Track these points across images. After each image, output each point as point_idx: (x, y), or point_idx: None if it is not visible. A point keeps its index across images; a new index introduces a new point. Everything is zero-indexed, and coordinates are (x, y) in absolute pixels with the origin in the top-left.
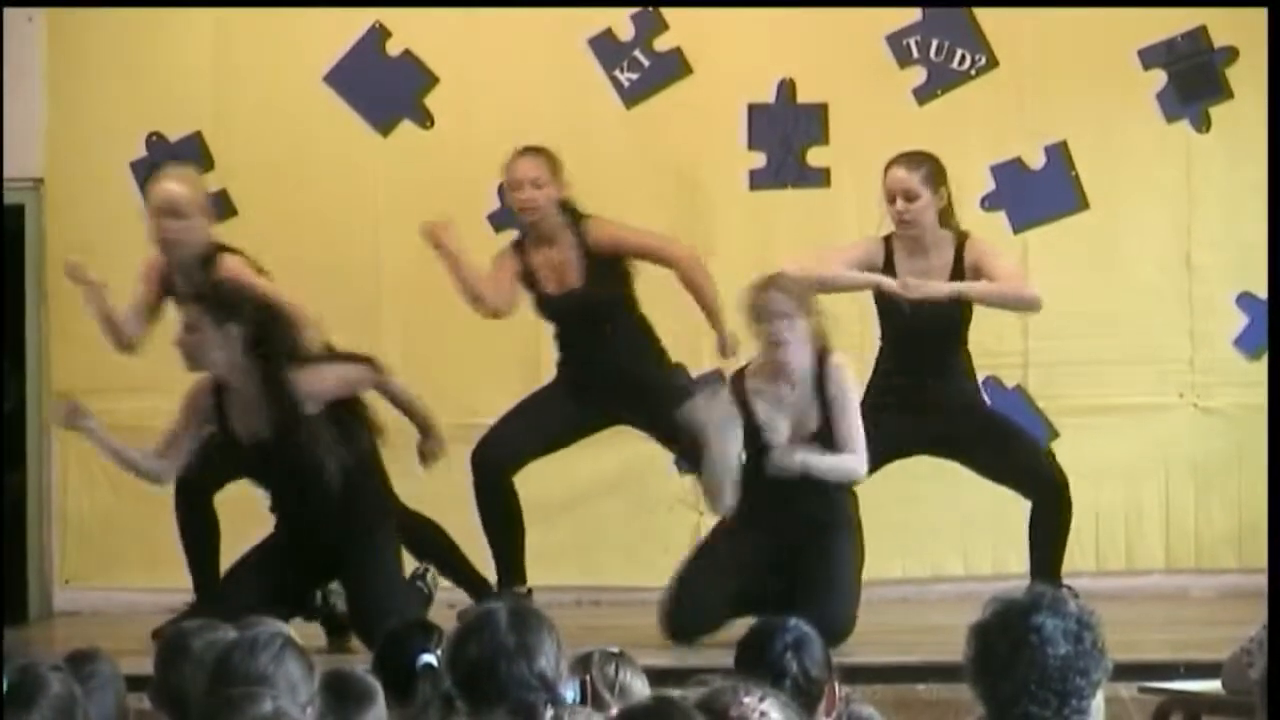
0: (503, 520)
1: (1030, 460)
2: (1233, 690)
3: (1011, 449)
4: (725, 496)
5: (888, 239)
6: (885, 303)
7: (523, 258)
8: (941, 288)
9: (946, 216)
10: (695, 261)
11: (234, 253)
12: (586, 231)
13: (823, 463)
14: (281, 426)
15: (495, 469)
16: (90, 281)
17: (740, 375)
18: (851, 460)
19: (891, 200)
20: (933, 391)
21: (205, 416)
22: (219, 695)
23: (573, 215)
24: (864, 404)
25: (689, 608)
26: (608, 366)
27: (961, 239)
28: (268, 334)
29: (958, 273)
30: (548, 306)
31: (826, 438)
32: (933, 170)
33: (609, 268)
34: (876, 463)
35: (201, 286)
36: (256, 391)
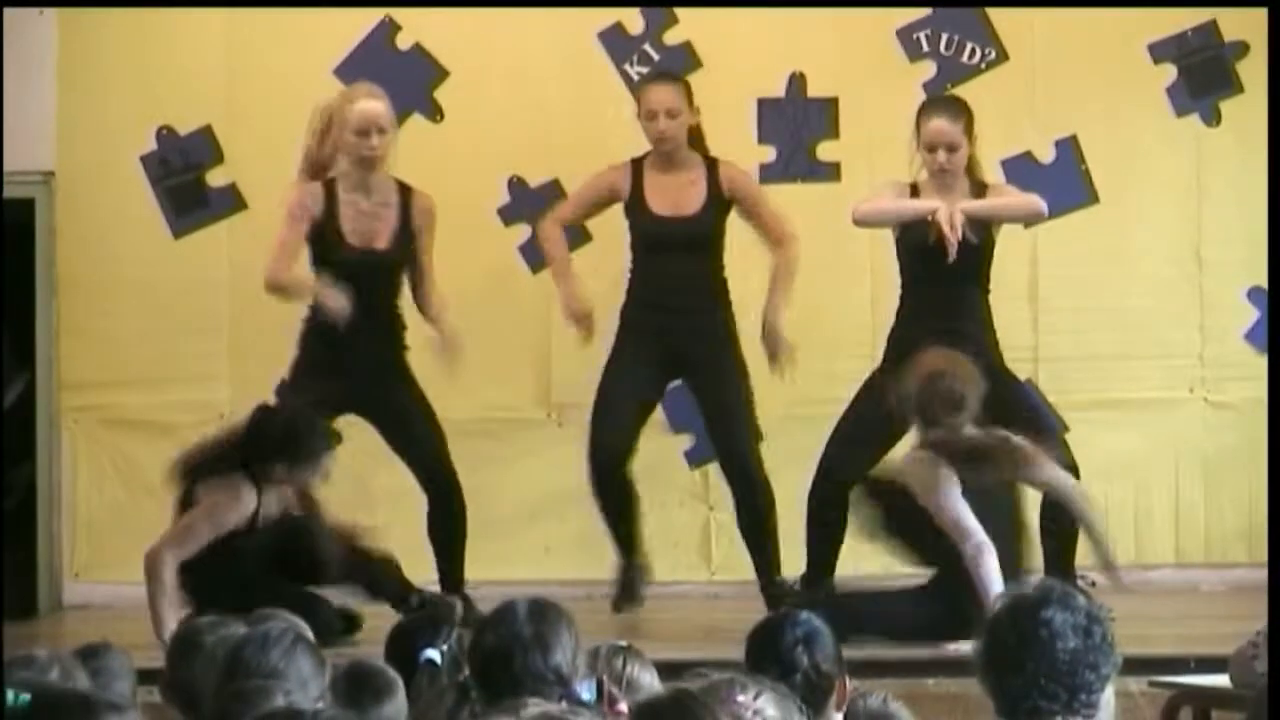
0: (632, 508)
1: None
2: (1240, 684)
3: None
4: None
5: (914, 185)
6: (918, 242)
7: (636, 178)
8: (970, 205)
9: (973, 165)
10: (797, 253)
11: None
12: (719, 168)
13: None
14: None
15: (618, 462)
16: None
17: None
18: None
19: (932, 149)
20: (960, 335)
21: None
22: (231, 690)
23: (703, 147)
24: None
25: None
26: (684, 308)
27: (981, 189)
28: None
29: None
30: (655, 228)
31: None
32: (969, 119)
33: (722, 210)
34: None
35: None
36: None
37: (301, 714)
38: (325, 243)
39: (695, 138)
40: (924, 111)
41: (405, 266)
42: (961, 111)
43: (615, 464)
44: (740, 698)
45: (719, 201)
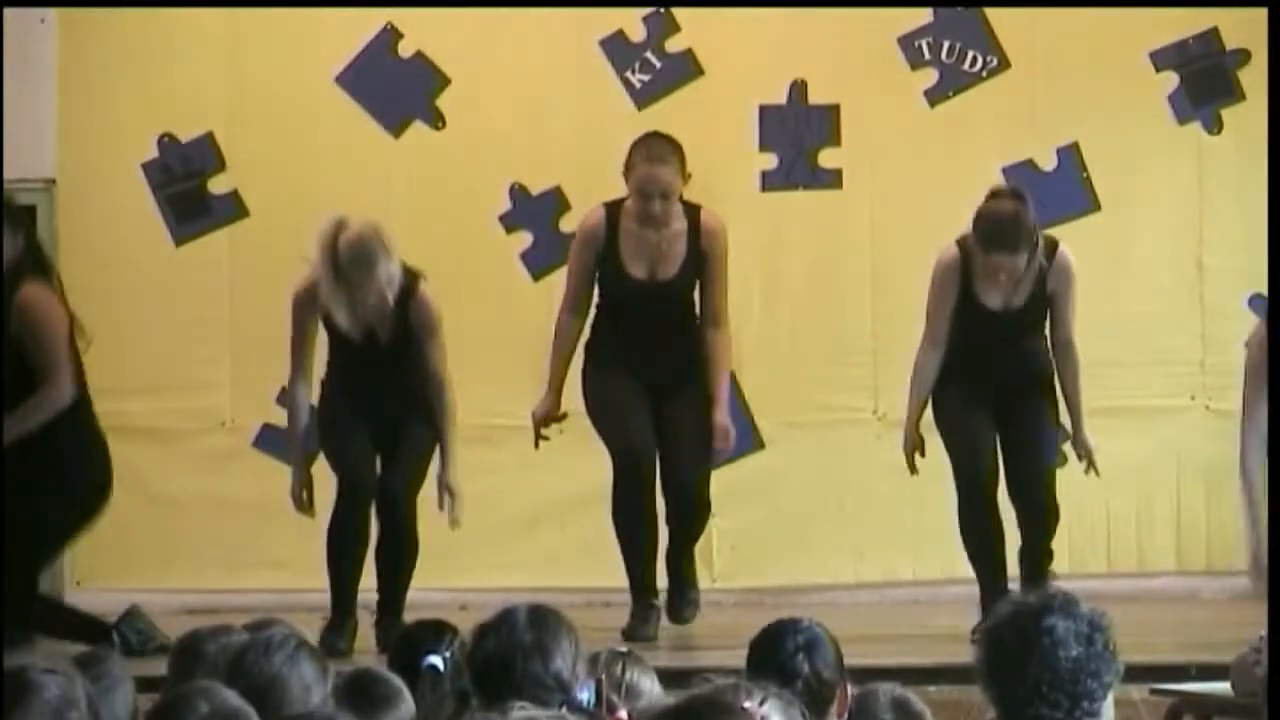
0: (652, 525)
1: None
2: (1241, 691)
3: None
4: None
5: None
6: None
7: (611, 230)
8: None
9: None
10: (729, 339)
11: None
12: (701, 221)
13: None
14: None
15: (649, 468)
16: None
17: None
18: None
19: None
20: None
21: None
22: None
23: (691, 212)
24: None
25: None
26: (656, 354)
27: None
28: None
29: None
30: (632, 290)
31: None
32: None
33: (700, 269)
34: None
35: None
36: None
37: (303, 717)
38: None
39: (685, 204)
40: (991, 251)
41: None
42: (1022, 245)
43: (647, 475)
44: (747, 704)
45: (697, 260)
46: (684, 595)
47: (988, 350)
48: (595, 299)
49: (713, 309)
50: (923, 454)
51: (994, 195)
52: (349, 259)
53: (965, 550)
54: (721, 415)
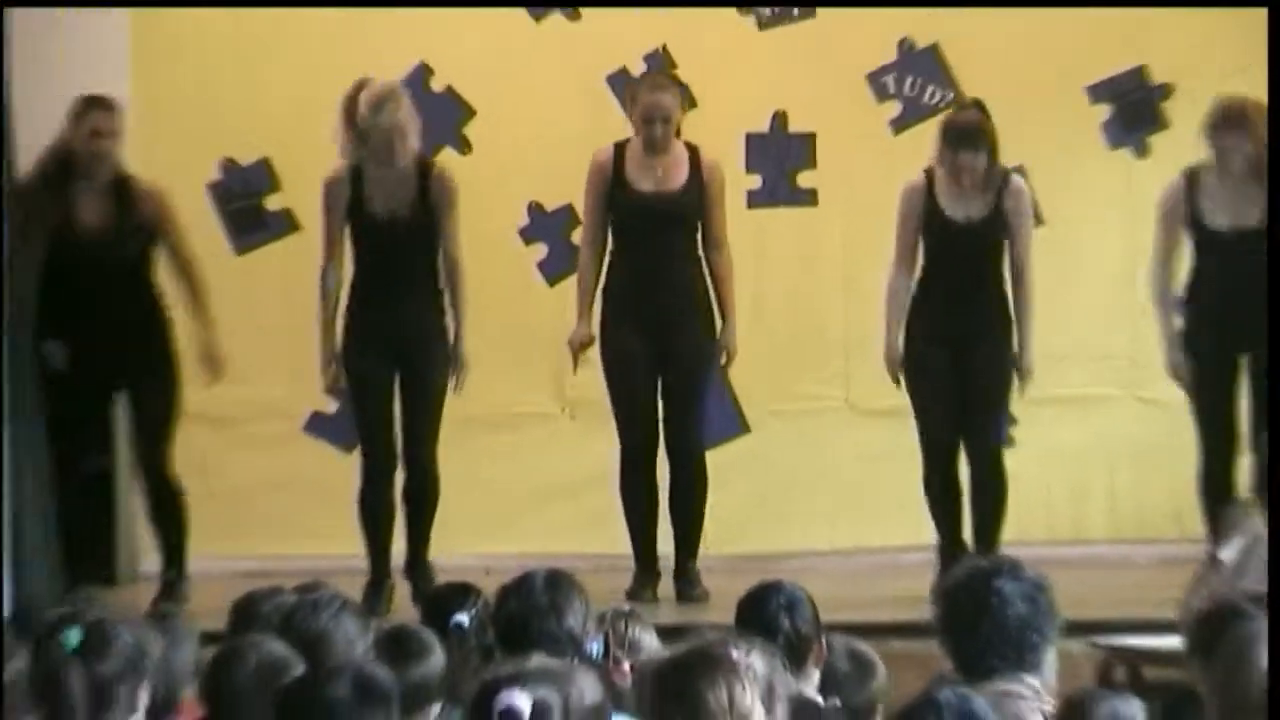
0: (653, 501)
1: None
2: (1187, 627)
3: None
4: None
5: (929, 171)
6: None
7: (619, 161)
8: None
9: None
10: (729, 258)
11: None
12: (701, 154)
13: None
14: None
15: (650, 455)
16: None
17: None
18: None
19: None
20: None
21: None
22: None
23: (691, 147)
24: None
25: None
26: (662, 283)
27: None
28: None
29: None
30: (639, 204)
31: None
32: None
33: (702, 192)
34: None
35: None
36: None
37: (346, 666)
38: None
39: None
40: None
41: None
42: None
43: (651, 454)
44: (735, 654)
45: (698, 184)
46: (688, 576)
47: (954, 276)
48: (609, 244)
49: (715, 234)
50: (904, 373)
51: (960, 107)
52: (372, 112)
53: (930, 512)
54: (729, 334)
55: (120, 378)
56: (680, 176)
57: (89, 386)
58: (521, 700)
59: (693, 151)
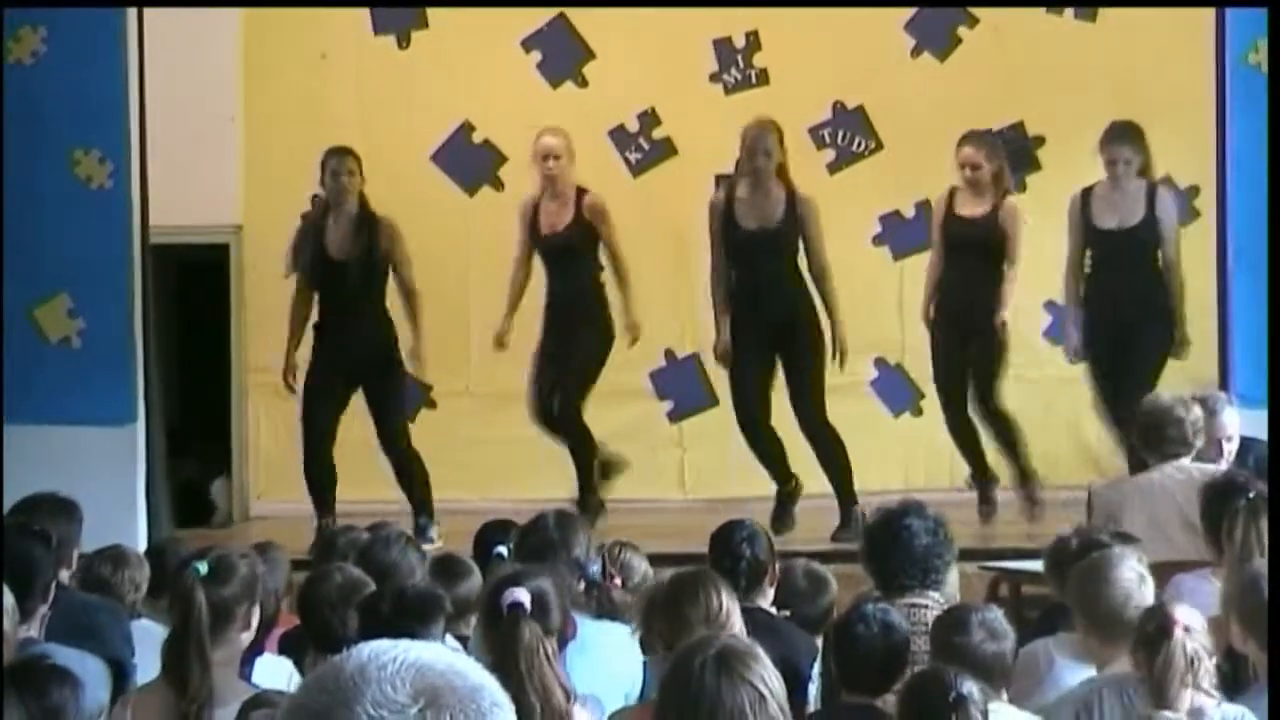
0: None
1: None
2: (1049, 567)
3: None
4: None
5: (952, 190)
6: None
7: (729, 196)
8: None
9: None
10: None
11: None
12: (797, 193)
13: None
14: None
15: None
16: None
17: None
18: None
19: (962, 168)
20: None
21: None
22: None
23: (787, 179)
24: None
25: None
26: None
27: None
28: None
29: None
30: (745, 240)
31: None
32: (991, 149)
33: (797, 223)
34: None
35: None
36: None
37: (406, 588)
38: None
39: (780, 171)
40: (960, 142)
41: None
42: (985, 141)
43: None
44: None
45: (794, 219)
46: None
47: (963, 267)
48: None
49: (819, 264)
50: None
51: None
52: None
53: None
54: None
55: (361, 375)
56: (778, 214)
57: (335, 381)
58: (522, 594)
59: (789, 186)
